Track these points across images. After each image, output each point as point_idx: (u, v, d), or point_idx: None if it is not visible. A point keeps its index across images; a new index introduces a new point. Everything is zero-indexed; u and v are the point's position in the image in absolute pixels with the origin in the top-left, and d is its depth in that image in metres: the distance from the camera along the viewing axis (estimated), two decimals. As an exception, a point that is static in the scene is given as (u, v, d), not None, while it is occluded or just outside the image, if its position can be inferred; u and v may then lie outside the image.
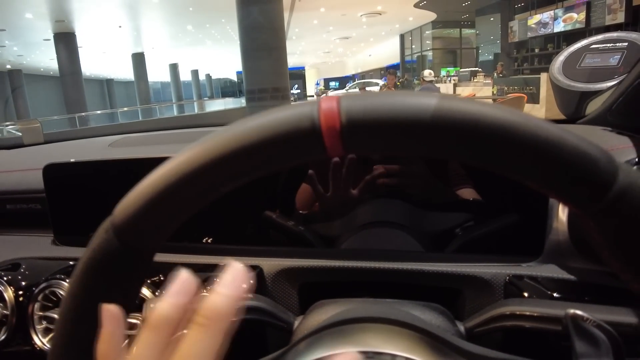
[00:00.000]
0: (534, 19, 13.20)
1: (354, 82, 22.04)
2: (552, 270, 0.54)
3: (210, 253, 0.67)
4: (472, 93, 10.44)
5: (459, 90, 11.88)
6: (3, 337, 0.67)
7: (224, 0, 10.38)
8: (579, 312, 0.33)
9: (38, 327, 0.65)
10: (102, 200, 0.73)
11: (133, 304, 0.31)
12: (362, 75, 31.13)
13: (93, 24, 14.81)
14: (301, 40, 23.22)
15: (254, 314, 0.44)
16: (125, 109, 18.36)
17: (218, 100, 27.25)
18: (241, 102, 18.15)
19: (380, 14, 17.42)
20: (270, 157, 0.25)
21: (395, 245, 0.61)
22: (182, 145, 0.92)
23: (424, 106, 0.23)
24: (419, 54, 21.93)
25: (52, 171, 0.75)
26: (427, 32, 20.71)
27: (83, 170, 0.75)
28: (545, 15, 12.73)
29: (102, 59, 22.52)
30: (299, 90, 28.74)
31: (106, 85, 33.48)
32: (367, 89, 12.16)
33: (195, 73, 34.03)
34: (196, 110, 19.66)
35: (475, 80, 12.62)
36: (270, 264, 0.61)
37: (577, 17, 11.61)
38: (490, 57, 18.09)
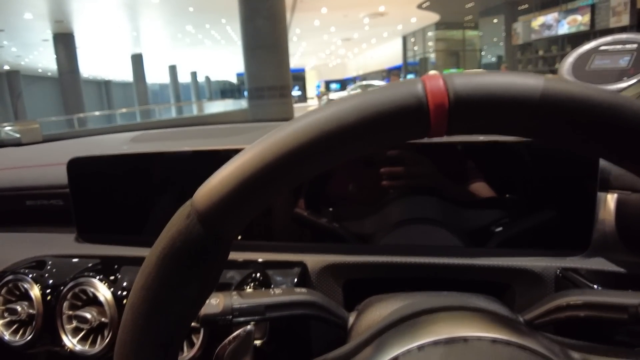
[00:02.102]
0: (538, 21, 13.10)
1: (355, 84, 21.91)
2: (601, 263, 0.54)
3: (251, 249, 0.67)
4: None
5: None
6: (29, 337, 0.65)
7: (224, 1, 10.30)
8: None
9: (67, 326, 0.63)
10: (128, 195, 0.73)
11: (210, 295, 0.30)
12: (364, 77, 31.07)
13: (92, 24, 14.78)
14: (302, 41, 23.16)
15: (309, 309, 0.41)
16: (124, 110, 18.36)
17: (217, 102, 27.29)
18: (241, 104, 18.17)
19: (382, 15, 17.37)
20: (371, 137, 0.24)
21: (434, 241, 0.60)
22: (204, 140, 0.86)
23: (532, 85, 0.22)
24: (422, 55, 21.82)
25: (77, 165, 0.74)
26: (430, 33, 20.62)
27: (108, 165, 0.74)
28: (549, 17, 12.63)
29: (101, 60, 22.52)
30: (299, 92, 28.72)
31: (104, 86, 33.56)
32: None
33: (194, 75, 34.15)
34: (195, 112, 19.65)
35: (477, 82, 12.52)
36: (315, 260, 0.62)
37: (581, 20, 11.50)
38: (494, 59, 18.00)
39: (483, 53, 19.34)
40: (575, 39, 11.52)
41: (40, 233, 0.85)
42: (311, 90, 34.21)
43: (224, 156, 0.61)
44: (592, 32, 11.02)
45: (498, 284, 0.58)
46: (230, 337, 0.34)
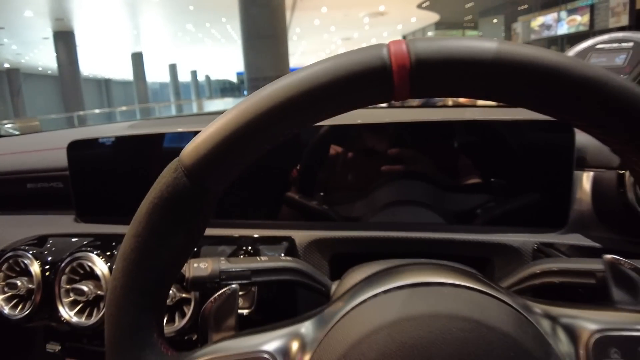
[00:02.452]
0: (538, 21, 13.14)
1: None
2: (577, 239, 0.57)
3: (244, 227, 0.70)
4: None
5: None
6: (28, 311, 0.68)
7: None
8: (616, 256, 0.35)
9: (65, 300, 0.66)
10: (125, 176, 0.75)
11: (195, 246, 0.32)
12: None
13: (92, 22, 14.76)
14: (302, 40, 23.18)
15: (294, 275, 0.43)
16: (124, 108, 18.35)
17: (217, 100, 27.27)
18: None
19: (382, 15, 17.38)
20: (341, 97, 0.26)
21: (420, 221, 0.63)
22: (199, 125, 0.87)
23: (486, 48, 0.24)
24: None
25: (77, 148, 0.76)
26: (429, 33, 20.65)
27: (107, 146, 0.76)
28: (549, 18, 12.67)
29: (101, 58, 22.49)
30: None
31: (104, 85, 33.50)
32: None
33: (194, 74, 34.10)
34: (195, 111, 19.64)
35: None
36: (302, 235, 0.65)
37: (580, 20, 11.54)
38: (493, 59, 18.03)
39: (483, 53, 19.41)
40: (575, 39, 11.56)
41: (40, 215, 0.87)
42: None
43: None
44: (591, 33, 11.07)
45: (479, 259, 0.60)
46: (215, 295, 0.34)
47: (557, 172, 0.58)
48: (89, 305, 0.65)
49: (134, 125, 0.99)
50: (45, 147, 0.92)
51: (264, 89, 0.26)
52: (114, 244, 0.69)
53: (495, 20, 16.56)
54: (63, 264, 0.67)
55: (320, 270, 0.62)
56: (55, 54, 15.03)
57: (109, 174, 0.77)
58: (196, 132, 0.67)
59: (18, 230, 0.80)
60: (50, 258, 0.70)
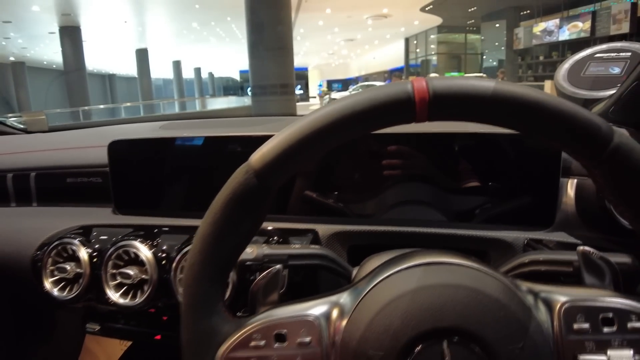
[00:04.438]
0: (540, 27, 13.22)
1: (357, 84, 22.03)
2: (562, 236, 0.65)
3: (273, 220, 0.76)
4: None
5: (462, 95, 11.87)
6: (77, 293, 0.74)
7: (230, -1, 10.40)
8: (587, 247, 0.42)
9: (111, 283, 0.72)
10: (160, 174, 0.83)
11: (257, 232, 0.40)
12: (366, 77, 31.17)
13: (99, 18, 14.84)
14: (305, 41, 23.26)
15: (322, 260, 0.51)
16: (129, 104, 18.39)
17: (221, 98, 27.29)
18: (244, 100, 18.22)
19: (386, 17, 17.47)
20: (375, 119, 0.34)
21: (425, 218, 0.72)
22: (226, 129, 0.91)
23: (486, 86, 0.33)
24: (424, 57, 21.95)
25: (117, 147, 0.83)
26: (432, 36, 20.75)
27: (145, 147, 0.83)
28: (551, 24, 12.76)
29: (106, 53, 22.55)
30: (302, 91, 28.75)
31: (108, 80, 33.53)
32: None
33: (197, 71, 34.07)
34: (197, 108, 19.68)
35: (478, 86, 12.61)
36: (325, 228, 0.72)
37: (582, 26, 11.63)
38: (495, 63, 18.10)
39: (484, 57, 19.49)
40: (576, 46, 11.64)
41: (78, 207, 0.93)
42: (313, 89, 34.27)
43: (251, 141, 0.78)
44: (592, 39, 11.15)
45: (477, 252, 0.67)
46: (263, 274, 0.43)
47: (546, 178, 0.66)
48: (132, 287, 0.72)
49: (164, 126, 1.06)
50: (82, 144, 0.99)
51: (318, 111, 0.35)
52: (155, 231, 0.75)
53: (497, 25, 16.64)
54: (110, 251, 0.73)
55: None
56: (60, 49, 15.08)
57: (144, 171, 0.84)
58: (228, 138, 0.76)
59: (60, 220, 0.85)
60: (97, 245, 0.76)
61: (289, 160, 0.35)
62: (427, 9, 16.10)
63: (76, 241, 0.76)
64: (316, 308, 0.39)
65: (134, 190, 0.85)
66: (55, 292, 0.75)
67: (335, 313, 0.38)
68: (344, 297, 0.39)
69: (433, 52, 21.09)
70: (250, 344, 0.37)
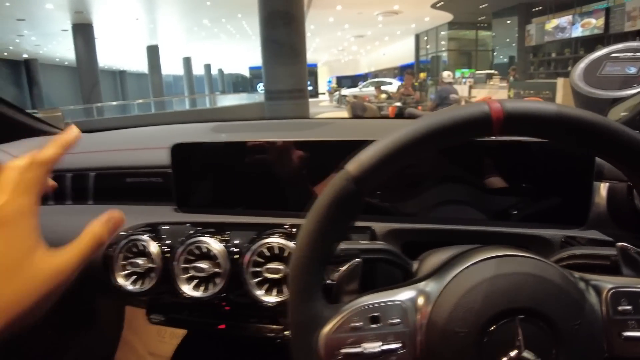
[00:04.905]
0: (552, 23, 13.09)
1: (367, 81, 21.99)
2: (594, 234, 0.71)
3: None
4: (488, 96, 10.36)
5: (474, 92, 11.82)
6: (150, 286, 0.79)
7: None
8: (625, 244, 0.49)
9: (182, 276, 0.76)
10: (219, 175, 0.87)
11: (349, 231, 0.47)
12: (375, 74, 31.01)
13: (111, 15, 14.96)
14: (315, 37, 23.24)
15: (386, 254, 0.56)
16: (140, 101, 18.50)
17: (231, 95, 27.34)
18: (255, 97, 18.25)
19: (396, 14, 17.39)
20: (459, 133, 0.41)
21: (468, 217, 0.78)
22: (273, 133, 1.05)
23: (549, 109, 0.40)
24: (434, 54, 21.86)
25: (179, 149, 0.87)
26: (442, 32, 20.65)
27: (205, 150, 0.88)
28: (563, 20, 12.62)
29: (117, 50, 22.73)
30: (310, 88, 28.74)
31: (119, 76, 33.78)
32: (382, 88, 12.11)
33: (207, 67, 34.13)
34: (208, 105, 19.77)
35: (491, 83, 12.56)
36: (380, 226, 0.77)
37: (595, 23, 11.49)
38: (506, 60, 17.99)
39: (495, 53, 19.36)
40: (589, 43, 11.52)
41: (139, 206, 0.95)
42: (322, 86, 34.26)
43: (305, 145, 0.82)
44: (605, 36, 11.02)
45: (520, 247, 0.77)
46: (346, 266, 0.50)
47: (580, 181, 0.72)
48: (203, 281, 0.77)
49: (216, 128, 1.11)
50: (134, 146, 1.03)
51: (410, 125, 0.41)
52: (224, 227, 0.80)
53: (508, 22, 16.51)
54: (183, 246, 0.77)
55: None
56: (73, 46, 15.22)
57: (204, 172, 0.88)
58: (273, 142, 0.82)
59: (126, 218, 0.90)
60: (168, 241, 0.80)
61: (382, 168, 0.41)
62: (438, 5, 16.02)
63: (146, 237, 0.80)
64: (403, 294, 0.45)
65: (195, 190, 0.89)
66: (129, 286, 0.80)
67: (421, 299, 0.45)
68: (429, 285, 0.46)
69: (443, 49, 21.00)
70: (350, 325, 0.43)
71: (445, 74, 7.63)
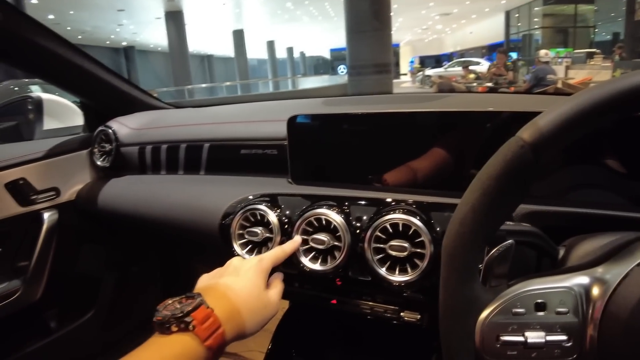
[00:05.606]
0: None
1: (454, 61, 21.12)
2: None
3: (443, 195, 0.75)
4: (589, 77, 9.53)
5: (571, 73, 10.92)
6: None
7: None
8: None
9: (301, 247, 0.76)
10: (334, 148, 0.85)
11: (519, 205, 0.42)
12: (461, 53, 29.77)
13: (200, 1, 15.52)
14: (398, 17, 22.66)
15: (532, 237, 0.51)
16: (228, 83, 19.20)
17: (313, 77, 27.58)
18: (336, 79, 18.27)
19: (486, -11, 16.47)
20: (627, 105, 0.36)
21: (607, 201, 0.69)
22: (386, 105, 0.98)
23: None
24: (526, 32, 20.46)
25: (295, 122, 0.86)
26: (536, 8, 19.25)
27: (320, 122, 0.86)
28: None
29: (204, 35, 23.59)
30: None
31: (206, 60, 35.15)
32: (470, 68, 11.57)
33: (290, 50, 34.62)
34: (290, 87, 20.08)
35: (591, 62, 11.54)
36: (519, 208, 0.68)
37: None
38: (608, 37, 16.45)
39: (596, 30, 17.74)
40: None
41: (254, 177, 0.97)
42: (404, 66, 33.49)
43: (419, 117, 0.77)
44: None
45: None
46: (497, 247, 0.44)
47: None
48: (321, 253, 0.75)
49: (327, 102, 1.10)
50: (265, 119, 1.03)
51: (591, 90, 0.36)
52: (346, 203, 0.77)
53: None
54: (302, 217, 0.76)
55: None
56: (166, 32, 16.02)
57: (319, 145, 0.86)
58: (388, 114, 0.79)
59: (240, 189, 0.90)
60: (287, 212, 0.80)
61: (563, 135, 0.36)
62: (533, -22, 14.94)
63: (264, 207, 0.80)
64: (574, 280, 0.40)
65: (309, 162, 0.88)
66: (245, 254, 0.80)
67: (596, 287, 0.39)
68: (608, 273, 0.40)
69: (537, 26, 19.56)
70: (512, 311, 0.40)
71: (542, 53, 7.08)
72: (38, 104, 1.32)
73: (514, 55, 16.89)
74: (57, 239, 1.20)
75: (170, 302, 0.51)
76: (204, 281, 0.62)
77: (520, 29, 21.32)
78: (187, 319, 0.47)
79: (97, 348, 1.37)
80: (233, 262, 0.65)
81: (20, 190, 1.13)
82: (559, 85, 6.87)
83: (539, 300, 0.40)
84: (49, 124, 1.34)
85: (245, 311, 0.56)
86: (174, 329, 0.46)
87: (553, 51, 14.27)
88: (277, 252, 0.69)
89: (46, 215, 1.18)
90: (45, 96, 1.35)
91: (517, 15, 21.41)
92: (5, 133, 1.62)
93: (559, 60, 12.72)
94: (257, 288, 0.60)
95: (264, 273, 0.63)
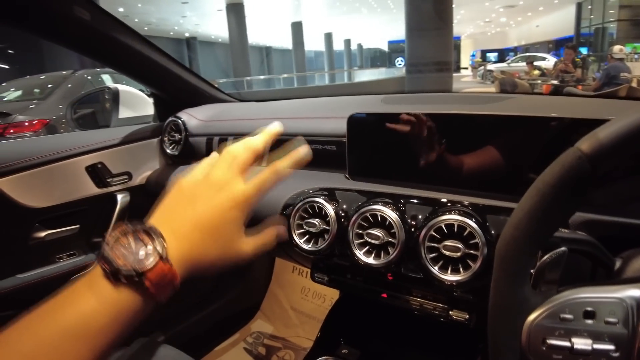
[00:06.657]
0: None
1: (517, 56, 20.27)
2: None
3: (498, 198, 0.75)
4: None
5: (648, 70, 10.18)
6: (322, 246, 0.83)
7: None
8: None
9: (356, 241, 0.79)
10: (391, 146, 0.87)
11: (573, 214, 0.43)
12: (526, 47, 28.45)
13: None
14: (460, 9, 22.02)
15: (587, 246, 0.50)
16: (285, 75, 19.43)
17: (369, 70, 27.36)
18: (393, 72, 18.03)
19: (556, -20, 15.65)
20: None
21: None
22: (444, 105, 1.00)
23: None
24: (599, 25, 19.27)
25: (355, 120, 0.90)
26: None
27: (379, 120, 0.87)
28: None
29: (263, 27, 23.93)
30: (452, 62, 27.47)
31: (265, 52, 35.66)
32: (535, 63, 11.06)
33: (347, 42, 34.47)
34: (346, 80, 20.03)
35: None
36: (575, 216, 0.68)
37: None
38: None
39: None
40: None
41: (311, 171, 1.00)
42: (465, 60, 32.55)
43: (481, 120, 0.77)
44: None
45: None
46: (550, 253, 0.44)
47: None
48: (375, 248, 0.78)
49: (385, 100, 1.11)
50: (325, 115, 1.07)
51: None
52: (402, 201, 0.79)
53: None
54: (358, 211, 0.79)
55: None
56: (227, 24, 16.37)
57: (376, 142, 0.88)
58: (447, 115, 0.81)
59: (301, 182, 0.94)
60: (344, 206, 0.83)
61: (624, 149, 0.37)
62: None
63: (322, 200, 0.85)
64: (626, 292, 0.40)
65: (366, 159, 0.91)
66: (303, 244, 0.85)
67: None
68: None
69: (612, 19, 18.37)
70: (560, 316, 0.41)
71: (617, 49, 6.67)
72: (115, 94, 1.42)
73: (583, 50, 16.00)
74: (129, 218, 1.30)
75: (122, 234, 0.44)
76: (171, 206, 0.52)
77: (593, 22, 20.12)
78: (142, 278, 0.41)
79: (154, 325, 1.46)
80: (211, 178, 0.54)
81: (98, 173, 1.23)
82: (634, 84, 6.44)
83: (588, 308, 0.40)
84: (123, 112, 1.44)
85: (206, 262, 0.48)
86: (123, 280, 0.41)
87: (629, 46, 13.35)
88: (248, 153, 0.57)
89: (119, 197, 1.28)
90: (121, 87, 1.45)
91: (589, 7, 20.21)
92: (84, 118, 1.74)
93: (635, 56, 11.90)
94: (232, 234, 0.50)
95: (245, 212, 0.51)
